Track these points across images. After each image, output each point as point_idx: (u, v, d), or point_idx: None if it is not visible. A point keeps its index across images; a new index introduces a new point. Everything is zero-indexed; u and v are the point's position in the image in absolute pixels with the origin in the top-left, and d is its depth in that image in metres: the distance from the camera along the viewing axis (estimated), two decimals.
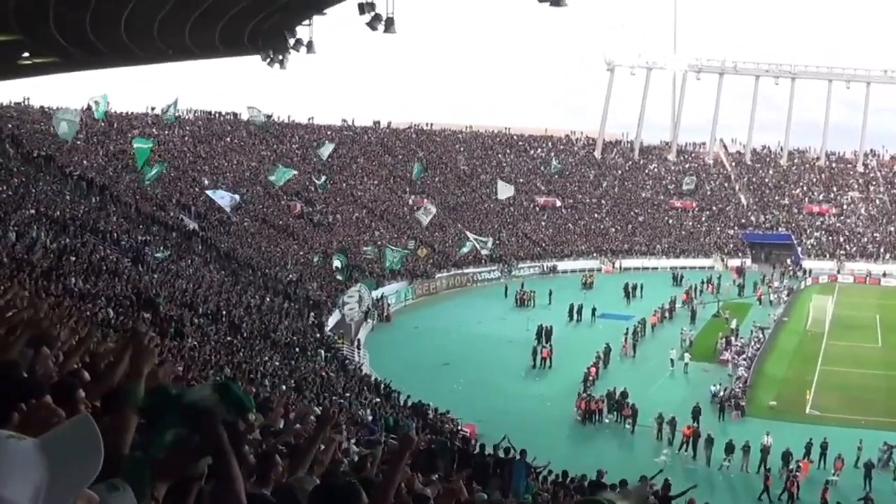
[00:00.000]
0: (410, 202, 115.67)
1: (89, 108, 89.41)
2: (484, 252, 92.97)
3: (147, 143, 75.94)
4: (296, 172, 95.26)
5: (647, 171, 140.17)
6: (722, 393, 57.93)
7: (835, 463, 45.85)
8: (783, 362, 69.50)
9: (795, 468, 44.98)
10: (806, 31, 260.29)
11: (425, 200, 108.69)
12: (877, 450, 46.89)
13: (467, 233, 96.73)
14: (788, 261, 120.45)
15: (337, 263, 78.98)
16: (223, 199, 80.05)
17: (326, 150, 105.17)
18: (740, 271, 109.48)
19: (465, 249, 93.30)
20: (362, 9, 35.71)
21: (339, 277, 77.58)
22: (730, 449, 47.68)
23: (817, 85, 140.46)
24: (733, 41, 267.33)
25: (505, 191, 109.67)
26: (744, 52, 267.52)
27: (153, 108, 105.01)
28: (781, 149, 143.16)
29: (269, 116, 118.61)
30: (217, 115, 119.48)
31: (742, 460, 47.46)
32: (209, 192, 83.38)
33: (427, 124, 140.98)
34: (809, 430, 50.41)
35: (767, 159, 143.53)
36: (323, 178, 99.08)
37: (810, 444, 47.36)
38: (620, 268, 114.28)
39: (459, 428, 48.13)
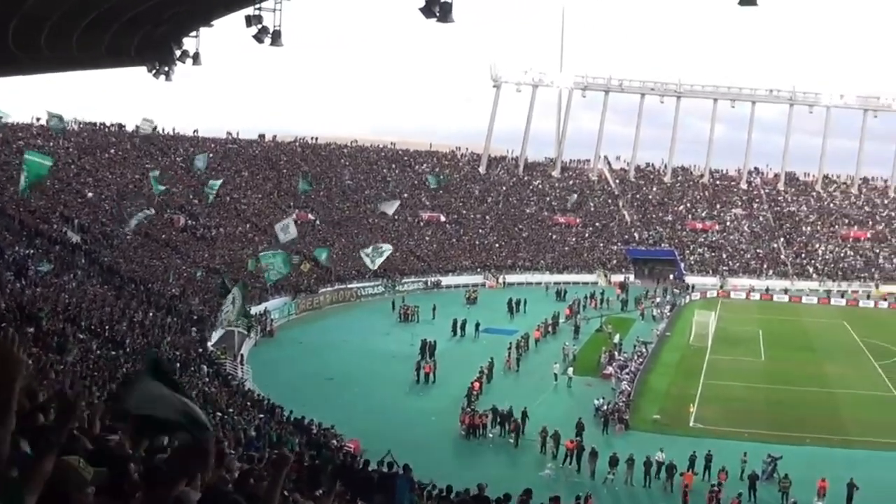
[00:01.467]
0: (294, 216, 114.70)
1: None
2: (377, 262, 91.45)
3: (46, 160, 73.96)
4: (163, 188, 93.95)
5: (531, 187, 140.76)
6: (605, 407, 57.83)
7: (719, 475, 45.76)
8: (666, 376, 69.99)
9: (717, 483, 44.95)
10: (692, 50, 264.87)
11: (309, 216, 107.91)
12: (761, 462, 47.02)
13: (380, 245, 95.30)
14: (672, 276, 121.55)
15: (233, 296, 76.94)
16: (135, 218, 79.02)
17: (201, 161, 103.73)
18: (623, 287, 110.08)
19: (379, 260, 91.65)
20: (249, 21, 35.09)
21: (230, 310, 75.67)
22: (614, 462, 47.46)
23: (702, 103, 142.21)
24: (619, 59, 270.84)
25: (389, 207, 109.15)
26: (630, 70, 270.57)
27: (38, 119, 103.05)
28: (666, 166, 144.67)
29: (152, 123, 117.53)
30: (102, 126, 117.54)
31: (626, 473, 47.27)
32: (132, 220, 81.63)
33: (312, 138, 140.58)
34: (694, 442, 50.59)
35: (651, 176, 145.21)
36: (211, 182, 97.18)
37: (694, 456, 47.28)
38: (504, 283, 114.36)
39: (343, 443, 47.37)
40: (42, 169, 66.89)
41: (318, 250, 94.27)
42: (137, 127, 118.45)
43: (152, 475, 8.07)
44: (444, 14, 28.75)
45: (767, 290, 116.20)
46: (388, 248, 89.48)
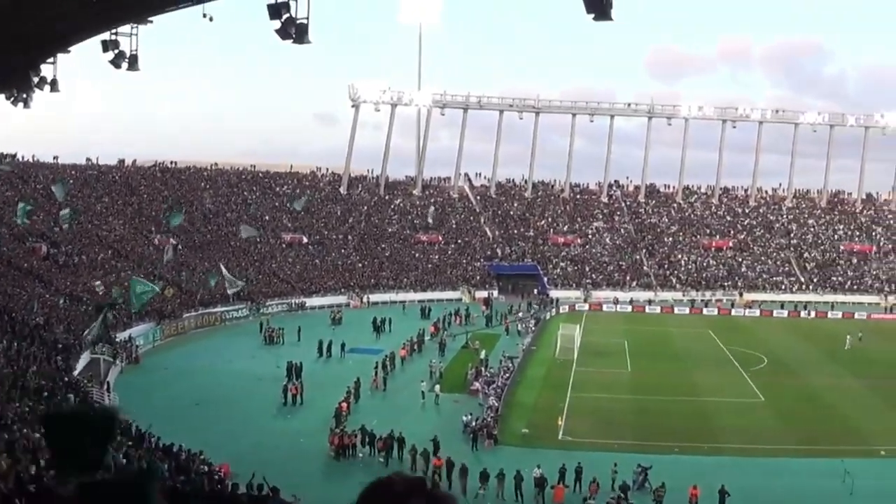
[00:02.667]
0: (156, 242, 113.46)
1: None
2: (231, 291, 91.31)
3: None
4: (30, 208, 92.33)
5: (392, 205, 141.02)
6: (474, 423, 57.67)
7: (590, 486, 45.90)
8: (533, 390, 70.15)
9: (589, 496, 45.04)
10: (549, 66, 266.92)
11: (170, 240, 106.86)
12: (631, 472, 47.21)
13: (221, 266, 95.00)
14: (535, 291, 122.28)
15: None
16: None
17: (59, 189, 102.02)
18: (488, 302, 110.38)
19: (212, 282, 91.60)
20: (106, 46, 34.52)
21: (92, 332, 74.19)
22: (484, 477, 47.28)
23: (561, 118, 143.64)
24: (478, 76, 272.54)
25: (248, 232, 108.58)
26: (488, 87, 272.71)
27: None
28: (526, 181, 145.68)
29: (12, 158, 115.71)
30: None
31: (497, 488, 47.06)
32: None
33: (171, 162, 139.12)
34: (563, 455, 50.58)
35: (512, 192, 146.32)
36: (67, 209, 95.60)
37: (564, 468, 47.28)
38: (368, 302, 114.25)
39: (213, 468, 46.70)
40: None
41: (211, 276, 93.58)
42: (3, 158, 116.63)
43: None
44: (301, 35, 28.69)
45: (631, 301, 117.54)
46: (241, 283, 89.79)
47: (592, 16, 25.83)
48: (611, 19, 26.02)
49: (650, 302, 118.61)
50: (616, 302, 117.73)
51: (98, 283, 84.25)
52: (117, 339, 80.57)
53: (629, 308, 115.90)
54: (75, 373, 68.63)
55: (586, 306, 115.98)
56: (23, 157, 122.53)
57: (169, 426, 54.53)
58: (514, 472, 46.99)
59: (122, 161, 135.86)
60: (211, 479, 42.27)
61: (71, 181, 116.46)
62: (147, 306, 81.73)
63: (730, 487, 43.86)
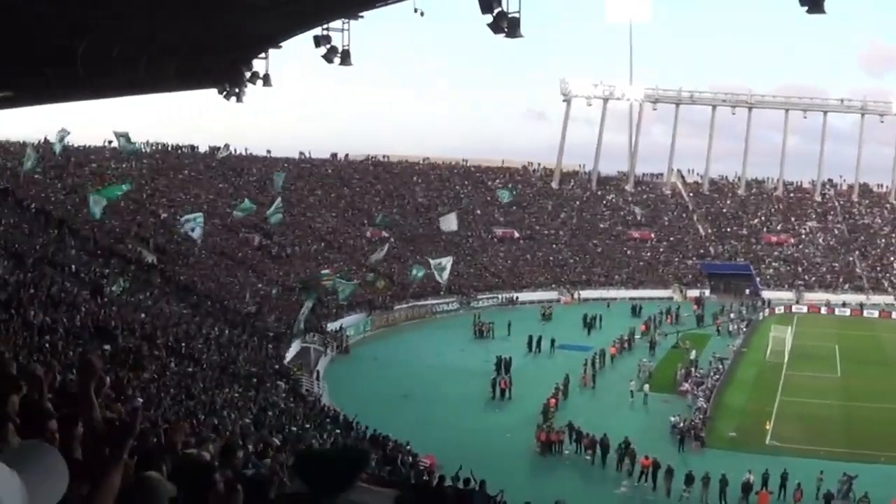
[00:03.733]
0: (368, 234, 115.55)
1: (46, 141, 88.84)
2: (444, 276, 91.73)
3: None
4: (255, 207, 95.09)
5: (604, 201, 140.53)
6: (682, 424, 57.53)
7: (794, 494, 45.56)
8: (743, 393, 69.20)
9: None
10: (763, 60, 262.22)
11: (383, 233, 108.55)
12: (836, 481, 46.55)
13: (428, 259, 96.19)
14: (747, 291, 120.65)
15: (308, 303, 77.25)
16: (192, 227, 79.62)
17: (278, 179, 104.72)
18: (699, 302, 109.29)
19: (418, 274, 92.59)
20: (318, 42, 35.39)
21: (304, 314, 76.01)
22: (690, 480, 47.30)
23: (775, 114, 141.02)
24: (690, 71, 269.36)
25: (449, 223, 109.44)
26: (700, 81, 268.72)
27: (110, 142, 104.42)
28: (739, 178, 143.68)
29: (226, 147, 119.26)
30: (175, 147, 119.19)
31: (702, 491, 47.01)
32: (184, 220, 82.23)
33: (384, 156, 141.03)
34: (769, 460, 49.93)
35: (725, 189, 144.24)
36: (275, 209, 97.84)
37: (767, 474, 46.97)
38: (579, 299, 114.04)
39: (419, 459, 47.71)
40: (115, 192, 67.95)
41: (417, 269, 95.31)
42: (212, 151, 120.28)
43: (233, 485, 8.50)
44: (513, 29, 28.92)
45: (844, 304, 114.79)
46: (447, 261, 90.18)
47: (806, 8, 25.74)
48: (823, 12, 25.87)
49: (862, 305, 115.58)
50: (828, 304, 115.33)
51: (327, 282, 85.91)
52: (328, 329, 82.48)
53: (846, 311, 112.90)
54: (285, 361, 70.65)
55: (799, 308, 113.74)
56: (235, 150, 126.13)
57: (376, 416, 55.77)
58: (720, 475, 46.88)
59: (334, 155, 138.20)
60: (417, 470, 43.17)
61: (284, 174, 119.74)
62: (352, 298, 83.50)
63: None
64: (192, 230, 79.80)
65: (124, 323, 56.73)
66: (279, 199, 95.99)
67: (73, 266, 67.94)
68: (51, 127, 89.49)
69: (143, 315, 62.06)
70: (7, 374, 9.79)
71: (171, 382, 47.05)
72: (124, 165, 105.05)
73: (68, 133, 79.63)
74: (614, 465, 51.63)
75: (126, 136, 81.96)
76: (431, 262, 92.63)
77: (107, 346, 48.18)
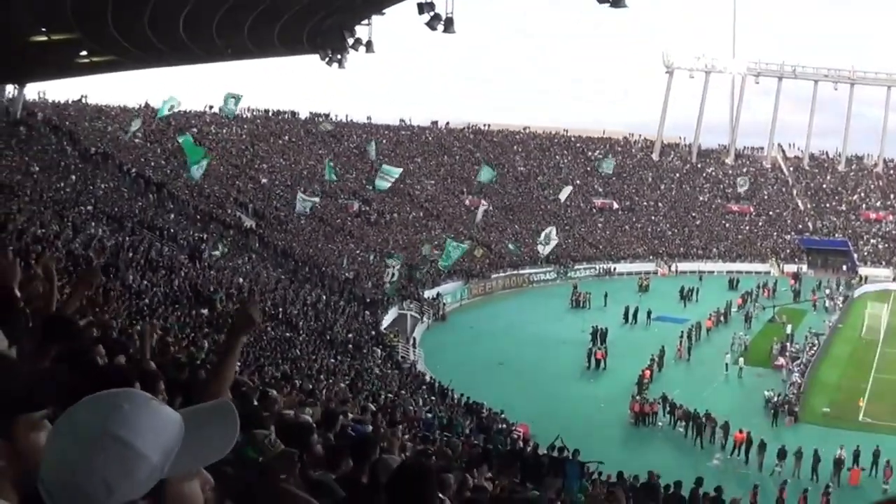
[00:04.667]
0: (467, 202, 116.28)
1: (147, 105, 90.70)
2: (548, 248, 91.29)
3: (184, 136, 76.10)
4: (335, 177, 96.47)
5: (704, 174, 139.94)
6: (776, 399, 57.87)
7: (885, 471, 45.97)
8: (837, 369, 69.14)
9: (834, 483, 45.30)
10: (867, 36, 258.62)
11: (482, 201, 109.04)
12: None
13: (550, 233, 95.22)
14: (844, 267, 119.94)
15: (393, 264, 78.00)
16: (304, 203, 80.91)
17: (372, 149, 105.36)
18: (797, 277, 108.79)
19: (549, 247, 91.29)
20: (421, 9, 36.03)
21: (390, 281, 76.67)
22: (782, 455, 47.79)
23: (877, 91, 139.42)
24: (793, 45, 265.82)
25: (565, 193, 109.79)
26: (803, 55, 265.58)
27: (210, 107, 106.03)
28: (839, 154, 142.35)
29: (329, 120, 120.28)
30: (276, 113, 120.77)
31: (794, 467, 47.45)
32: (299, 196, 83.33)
33: (484, 125, 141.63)
34: (862, 437, 50.13)
35: (825, 165, 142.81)
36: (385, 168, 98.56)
37: (858, 451, 47.32)
38: (676, 271, 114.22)
39: (513, 427, 48.61)
40: (196, 153, 69.05)
41: (514, 245, 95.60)
42: (315, 120, 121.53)
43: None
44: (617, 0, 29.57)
45: None
46: (552, 230, 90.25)
47: None
48: None
49: None
50: None
51: (424, 247, 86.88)
52: (426, 297, 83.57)
53: None
54: (382, 327, 71.77)
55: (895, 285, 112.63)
56: (336, 117, 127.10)
57: (472, 384, 56.81)
58: (813, 451, 47.28)
59: (434, 122, 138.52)
60: (511, 439, 44.01)
61: (384, 141, 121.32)
62: (455, 265, 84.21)
63: None
64: (305, 209, 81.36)
65: (222, 287, 58.26)
66: (383, 166, 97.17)
67: (172, 230, 69.46)
68: (153, 92, 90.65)
69: (241, 280, 63.56)
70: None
71: (267, 347, 48.37)
72: (224, 131, 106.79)
73: (179, 103, 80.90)
74: (707, 438, 52.26)
75: (237, 99, 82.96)
76: (542, 234, 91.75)
77: (204, 311, 49.65)
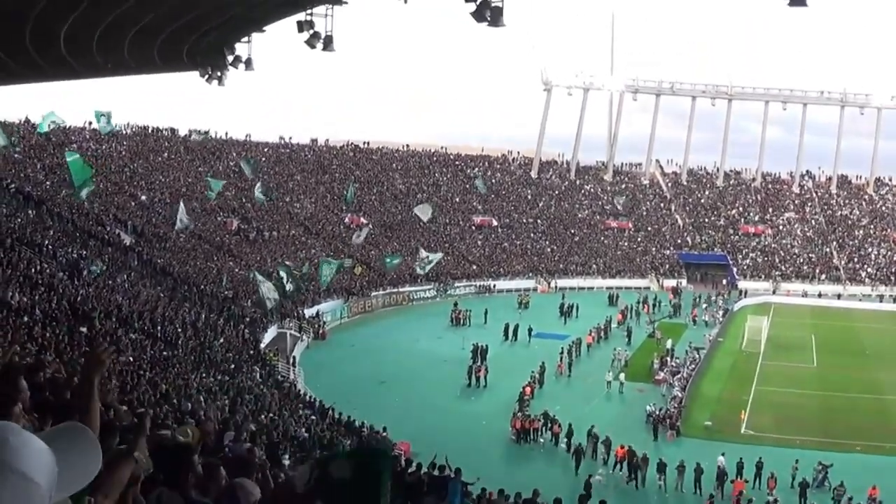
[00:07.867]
0: (346, 220, 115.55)
1: (27, 121, 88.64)
2: (426, 269, 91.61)
3: (74, 155, 74.44)
4: (224, 182, 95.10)
5: (583, 191, 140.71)
6: (657, 413, 57.78)
7: (768, 482, 45.76)
8: (718, 382, 69.65)
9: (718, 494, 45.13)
10: (743, 52, 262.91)
11: (361, 219, 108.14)
12: (812, 470, 46.86)
13: (421, 249, 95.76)
14: (724, 281, 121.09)
15: (282, 274, 76.90)
16: (182, 219, 79.91)
17: (246, 167, 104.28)
18: (676, 291, 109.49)
19: (428, 267, 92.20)
20: (301, 27, 35.27)
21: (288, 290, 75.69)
22: (662, 468, 47.51)
23: (754, 105, 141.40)
24: (670, 61, 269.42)
25: (423, 213, 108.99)
26: (681, 72, 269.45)
27: (90, 123, 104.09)
28: (718, 169, 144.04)
29: (206, 133, 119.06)
30: (154, 130, 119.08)
31: (677, 480, 47.27)
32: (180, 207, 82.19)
33: (364, 143, 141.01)
34: (745, 449, 50.25)
35: (703, 180, 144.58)
36: (260, 188, 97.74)
37: (742, 463, 47.27)
38: (556, 287, 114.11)
39: (394, 446, 47.73)
40: (85, 172, 67.46)
41: (391, 257, 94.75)
42: (190, 132, 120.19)
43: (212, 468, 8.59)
44: (495, 18, 29.02)
45: (820, 294, 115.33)
46: (436, 257, 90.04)
47: (788, 1, 25.92)
48: (805, 5, 26.06)
49: (839, 296, 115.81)
50: (805, 295, 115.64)
51: (289, 263, 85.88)
52: (305, 315, 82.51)
53: (822, 302, 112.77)
54: (262, 346, 70.65)
55: (775, 298, 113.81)
56: (216, 134, 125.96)
57: (352, 403, 56.15)
58: (695, 464, 47.15)
59: (314, 140, 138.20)
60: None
61: (263, 159, 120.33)
62: (333, 282, 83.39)
63: None
64: (182, 222, 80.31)
65: (101, 305, 56.60)
66: (259, 182, 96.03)
67: (51, 247, 67.88)
68: (33, 107, 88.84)
69: (119, 297, 61.99)
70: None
71: (146, 366, 47.01)
72: (104, 147, 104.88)
73: (63, 123, 79.20)
74: (589, 454, 51.75)
75: (108, 116, 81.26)
76: (422, 253, 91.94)
77: (83, 329, 48.18)
